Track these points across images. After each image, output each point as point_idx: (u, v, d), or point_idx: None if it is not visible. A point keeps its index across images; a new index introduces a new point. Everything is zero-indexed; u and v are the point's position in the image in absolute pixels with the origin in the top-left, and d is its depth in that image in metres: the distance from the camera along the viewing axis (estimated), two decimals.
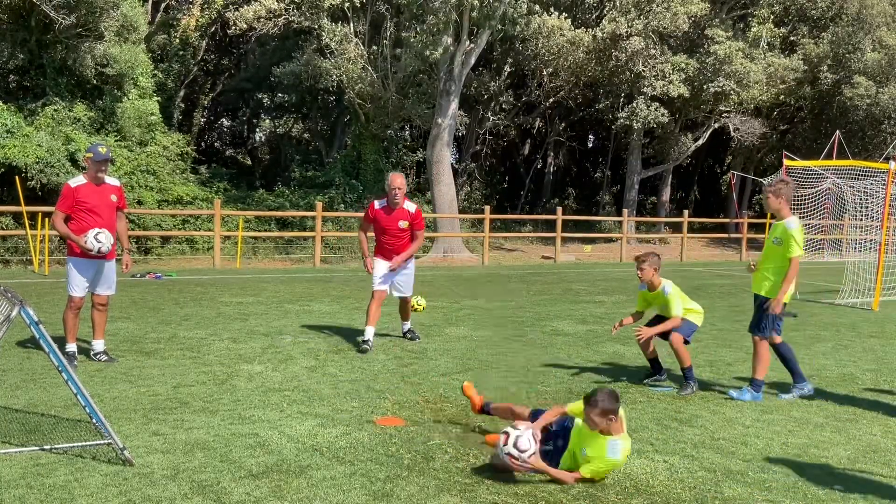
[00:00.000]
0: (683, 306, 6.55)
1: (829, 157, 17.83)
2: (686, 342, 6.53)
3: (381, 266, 8.11)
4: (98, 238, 6.70)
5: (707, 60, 25.94)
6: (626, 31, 25.45)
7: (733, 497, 4.21)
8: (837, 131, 18.18)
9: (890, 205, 12.76)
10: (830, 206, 18.23)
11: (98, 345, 7.09)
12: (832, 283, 15.46)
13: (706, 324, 10.24)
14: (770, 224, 6.68)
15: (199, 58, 27.91)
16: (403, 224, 8.04)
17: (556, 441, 4.57)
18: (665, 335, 6.53)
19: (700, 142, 29.69)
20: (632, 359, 7.81)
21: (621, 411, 4.37)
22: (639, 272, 6.59)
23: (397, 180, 7.92)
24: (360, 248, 8.09)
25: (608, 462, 4.31)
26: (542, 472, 4.35)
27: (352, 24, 23.66)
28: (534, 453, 4.29)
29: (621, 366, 7.53)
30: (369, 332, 8.03)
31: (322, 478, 4.28)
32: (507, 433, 4.35)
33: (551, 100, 30.32)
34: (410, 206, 8.07)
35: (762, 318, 6.35)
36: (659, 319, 6.69)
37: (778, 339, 6.48)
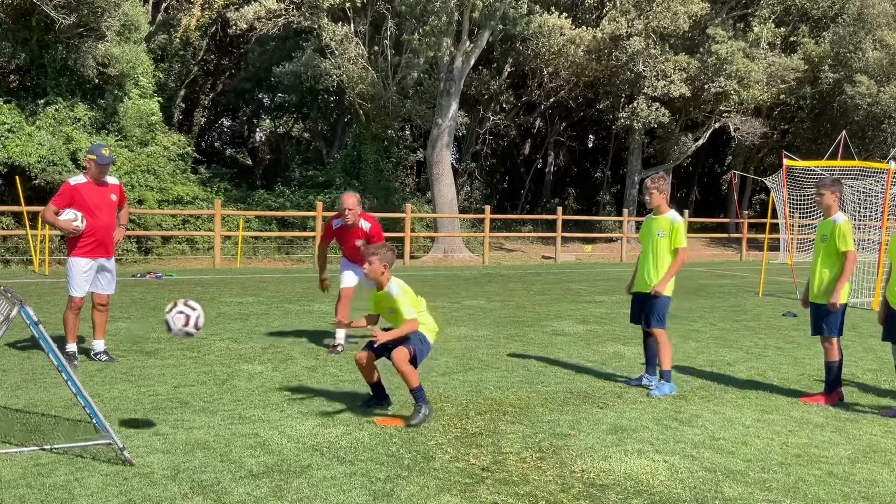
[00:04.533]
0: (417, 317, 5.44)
1: (833, 157, 17.82)
2: (414, 361, 5.32)
3: (349, 274, 8.03)
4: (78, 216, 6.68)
5: (708, 60, 25.94)
6: (627, 31, 25.47)
7: (733, 497, 4.20)
8: (844, 132, 18.15)
9: (890, 205, 12.76)
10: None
11: (98, 345, 7.09)
12: None
13: (707, 324, 10.24)
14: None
15: (199, 58, 27.92)
16: (360, 243, 7.82)
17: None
18: (389, 348, 5.32)
19: (700, 142, 29.69)
20: (632, 359, 7.81)
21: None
22: (365, 267, 5.51)
23: (348, 201, 7.76)
24: (317, 264, 8.07)
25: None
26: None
27: (352, 24, 23.66)
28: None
29: (621, 366, 7.52)
30: (340, 335, 7.98)
31: (322, 478, 4.28)
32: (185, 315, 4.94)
33: (551, 100, 30.32)
34: (365, 224, 7.93)
35: (656, 311, 6.42)
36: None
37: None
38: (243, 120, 36.38)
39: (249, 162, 37.10)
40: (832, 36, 27.62)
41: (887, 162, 12.61)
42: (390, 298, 5.39)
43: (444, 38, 20.09)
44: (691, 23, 26.09)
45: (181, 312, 4.86)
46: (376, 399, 5.69)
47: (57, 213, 6.72)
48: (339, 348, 7.92)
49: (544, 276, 17.21)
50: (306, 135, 34.50)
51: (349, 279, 8.10)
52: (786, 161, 13.81)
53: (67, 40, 18.43)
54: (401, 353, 5.25)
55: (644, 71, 26.18)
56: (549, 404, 5.95)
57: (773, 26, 28.28)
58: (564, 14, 26.03)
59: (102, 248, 6.89)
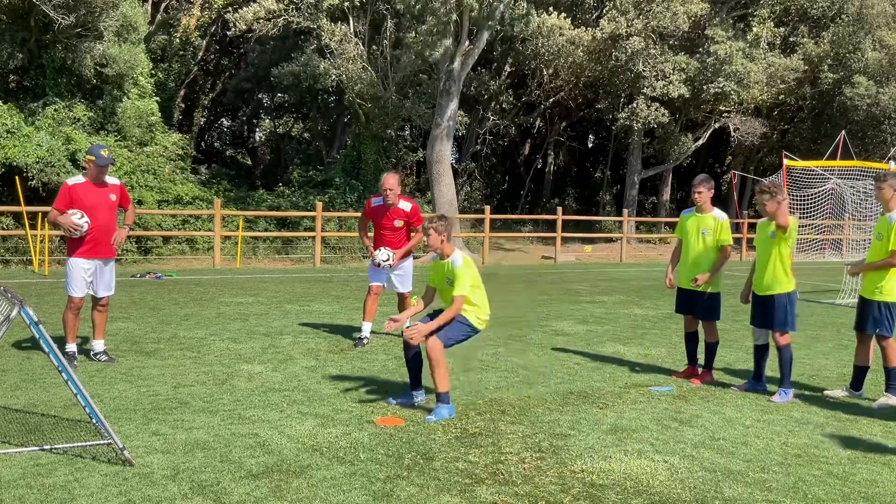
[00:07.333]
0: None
1: (832, 157, 17.80)
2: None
3: (382, 251, 8.07)
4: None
5: (707, 60, 25.94)
6: (626, 31, 25.47)
7: (733, 497, 4.20)
8: (843, 132, 18.15)
9: None
10: (831, 205, 18.23)
11: (98, 345, 7.09)
12: (832, 283, 15.45)
13: None
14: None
15: (199, 58, 27.92)
16: (398, 223, 8.09)
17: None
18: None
19: (700, 142, 29.70)
20: (632, 359, 7.81)
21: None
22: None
23: (389, 180, 7.95)
24: (363, 245, 8.27)
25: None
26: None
27: (352, 24, 23.66)
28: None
29: (621, 366, 7.52)
30: (366, 328, 8.20)
31: (322, 478, 4.28)
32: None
33: (551, 100, 30.33)
34: (406, 205, 8.07)
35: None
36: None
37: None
38: (243, 120, 36.36)
39: (249, 162, 37.09)
40: (831, 36, 27.62)
41: (887, 162, 12.61)
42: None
43: (443, 38, 20.09)
44: (691, 23, 26.09)
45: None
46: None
47: (60, 214, 6.73)
48: (365, 341, 8.01)
49: (544, 276, 17.21)
50: (306, 135, 34.49)
51: (379, 277, 8.18)
52: (786, 161, 13.82)
53: (66, 40, 18.41)
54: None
55: (643, 71, 26.18)
56: (548, 404, 5.95)
57: (773, 26, 28.28)
58: (564, 14, 26.04)
59: (102, 248, 6.88)
